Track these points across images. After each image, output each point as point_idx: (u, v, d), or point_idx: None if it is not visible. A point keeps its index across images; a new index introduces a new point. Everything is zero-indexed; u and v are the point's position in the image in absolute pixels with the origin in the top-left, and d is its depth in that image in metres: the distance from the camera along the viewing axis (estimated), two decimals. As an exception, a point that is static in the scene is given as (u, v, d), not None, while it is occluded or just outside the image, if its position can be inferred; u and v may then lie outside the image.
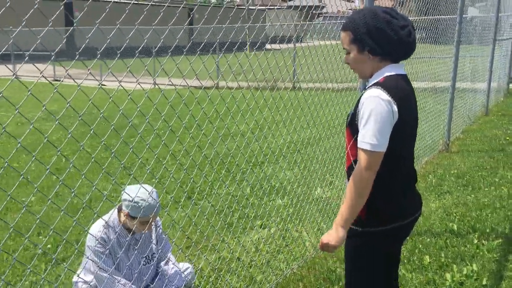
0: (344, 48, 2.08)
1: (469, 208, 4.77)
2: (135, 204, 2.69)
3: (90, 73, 1.57)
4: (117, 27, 1.83)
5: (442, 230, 4.26)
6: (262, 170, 4.09)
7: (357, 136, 1.96)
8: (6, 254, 3.80)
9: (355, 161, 2.00)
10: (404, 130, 1.96)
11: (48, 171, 1.54)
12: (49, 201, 1.45)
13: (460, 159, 6.60)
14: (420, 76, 6.75)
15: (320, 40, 4.33)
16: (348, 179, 2.06)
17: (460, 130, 8.40)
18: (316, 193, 5.15)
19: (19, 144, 1.52)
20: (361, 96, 1.97)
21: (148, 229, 2.80)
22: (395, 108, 1.89)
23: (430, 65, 7.15)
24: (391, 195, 2.02)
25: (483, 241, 4.02)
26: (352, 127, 2.02)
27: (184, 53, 1.82)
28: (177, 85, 1.75)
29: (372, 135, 1.86)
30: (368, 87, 1.97)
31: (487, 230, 4.23)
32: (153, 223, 2.97)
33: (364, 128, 1.88)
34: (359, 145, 1.90)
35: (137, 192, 2.68)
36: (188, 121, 9.20)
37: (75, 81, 1.53)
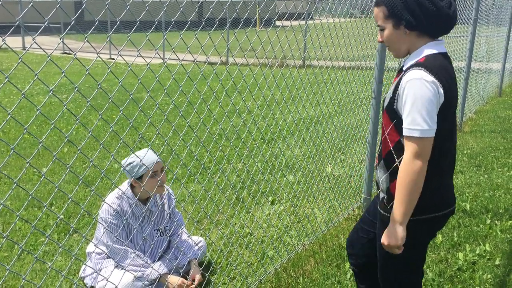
0: (378, 26, 1.92)
1: (482, 188, 4.74)
2: (132, 164, 2.73)
3: (111, 41, 1.55)
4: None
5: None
6: (278, 145, 4.07)
7: (396, 121, 1.84)
8: (20, 223, 3.82)
9: (394, 148, 1.88)
10: (449, 113, 1.82)
11: (66, 139, 1.52)
12: (68, 169, 1.43)
13: (473, 139, 6.54)
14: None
15: (331, 17, 4.27)
16: (385, 165, 1.93)
17: (473, 110, 8.31)
18: (328, 170, 5.12)
19: (38, 111, 1.50)
20: (400, 79, 1.82)
21: (163, 183, 2.81)
22: (441, 90, 1.73)
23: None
24: (433, 184, 1.87)
25: (496, 222, 4.00)
26: (390, 111, 1.87)
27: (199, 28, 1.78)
28: (194, 61, 1.72)
29: (421, 121, 1.71)
30: (408, 69, 1.81)
31: (500, 211, 4.20)
32: (165, 187, 2.97)
33: (410, 114, 1.73)
34: (406, 133, 1.75)
35: (129, 158, 2.74)
36: (204, 93, 9.16)
37: (97, 51, 1.50)
